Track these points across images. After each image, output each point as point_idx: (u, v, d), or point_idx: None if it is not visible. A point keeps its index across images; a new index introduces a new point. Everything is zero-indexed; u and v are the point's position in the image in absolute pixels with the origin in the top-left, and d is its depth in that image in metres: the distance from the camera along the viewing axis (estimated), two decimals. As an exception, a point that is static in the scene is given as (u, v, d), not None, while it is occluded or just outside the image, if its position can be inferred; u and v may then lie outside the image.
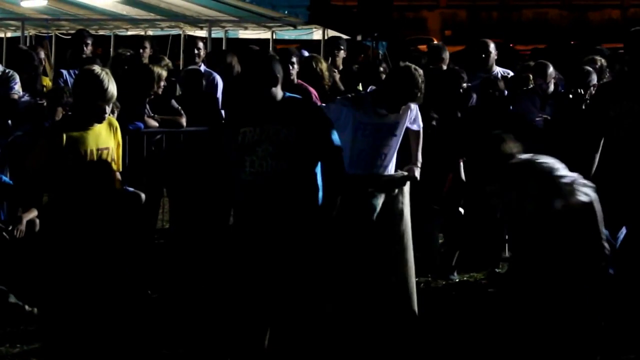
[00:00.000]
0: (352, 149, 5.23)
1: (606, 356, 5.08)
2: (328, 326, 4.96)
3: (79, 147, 4.80)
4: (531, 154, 4.79)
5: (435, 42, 21.74)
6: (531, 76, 7.64)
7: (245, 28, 15.61)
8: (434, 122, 7.02)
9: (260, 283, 4.60)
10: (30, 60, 7.91)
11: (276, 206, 4.56)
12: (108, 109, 4.85)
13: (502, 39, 25.24)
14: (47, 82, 8.43)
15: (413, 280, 5.59)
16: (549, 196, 4.60)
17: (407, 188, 5.63)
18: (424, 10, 38.50)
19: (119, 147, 5.03)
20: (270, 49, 14.49)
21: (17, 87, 7.48)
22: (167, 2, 15.22)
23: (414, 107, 5.54)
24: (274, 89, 4.57)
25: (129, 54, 8.54)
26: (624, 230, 5.38)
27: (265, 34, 15.26)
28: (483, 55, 8.11)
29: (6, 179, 6.46)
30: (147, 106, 7.10)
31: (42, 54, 9.91)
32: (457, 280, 7.06)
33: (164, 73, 7.35)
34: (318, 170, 4.62)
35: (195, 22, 15.58)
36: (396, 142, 5.46)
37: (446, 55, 8.30)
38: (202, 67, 8.57)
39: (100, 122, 4.88)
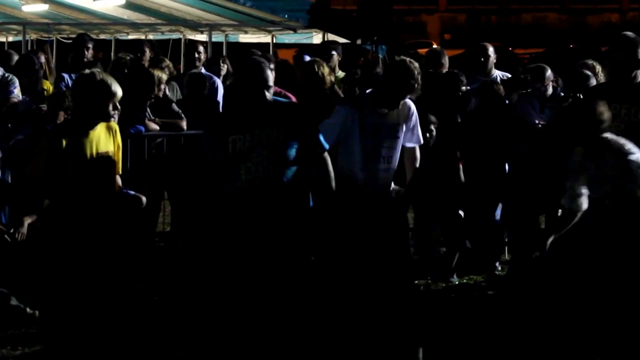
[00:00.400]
0: (358, 151, 5.22)
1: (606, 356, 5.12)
2: (328, 327, 4.98)
3: (79, 151, 4.82)
4: (626, 140, 4.93)
5: (435, 46, 21.80)
6: (529, 77, 7.66)
7: (246, 32, 15.65)
8: (432, 127, 7.04)
9: (260, 284, 4.63)
10: (31, 64, 7.94)
11: (274, 208, 4.60)
12: (111, 106, 4.86)
13: (501, 42, 25.30)
14: (48, 85, 8.46)
15: (412, 287, 5.57)
16: (624, 180, 4.78)
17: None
18: (424, 14, 38.56)
19: (119, 150, 5.04)
20: (271, 53, 14.53)
21: (17, 91, 7.51)
22: (168, 6, 15.26)
23: (415, 116, 5.46)
24: (266, 93, 4.61)
25: (129, 57, 8.57)
26: None
27: (265, 38, 15.30)
28: (482, 59, 8.13)
29: (8, 182, 6.48)
30: (148, 109, 7.13)
31: (42, 58, 9.94)
32: (456, 282, 7.08)
33: (164, 76, 7.38)
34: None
35: (195, 26, 15.61)
36: (398, 145, 5.41)
37: (445, 60, 8.33)
38: (203, 71, 8.60)
39: (108, 120, 4.90)
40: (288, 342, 4.70)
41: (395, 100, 5.28)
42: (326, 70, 7.65)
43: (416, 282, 6.73)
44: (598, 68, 7.05)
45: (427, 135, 7.02)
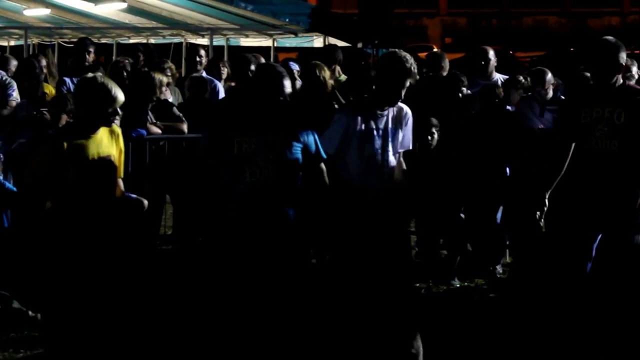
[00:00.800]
0: (361, 157, 5.20)
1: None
2: (328, 328, 4.99)
3: (80, 155, 4.82)
4: None
5: (436, 49, 21.81)
6: (521, 77, 7.67)
7: (247, 36, 15.67)
8: (434, 130, 7.05)
9: (263, 287, 4.64)
10: (32, 68, 7.96)
11: (277, 212, 4.62)
12: (112, 110, 4.87)
13: (502, 46, 25.31)
14: (50, 89, 8.48)
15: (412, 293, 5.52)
16: None
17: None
18: (425, 17, 38.59)
19: (122, 154, 5.05)
20: (272, 56, 14.55)
21: (15, 94, 7.52)
22: (169, 10, 15.29)
23: (410, 122, 5.34)
24: (281, 100, 4.65)
25: (127, 61, 8.59)
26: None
27: (266, 42, 15.32)
28: (482, 63, 8.14)
29: (10, 185, 6.50)
30: (150, 113, 7.14)
31: (43, 62, 9.97)
32: (458, 285, 7.08)
33: (165, 79, 7.39)
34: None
35: (196, 30, 15.64)
36: (396, 149, 5.38)
37: (446, 63, 8.34)
38: (204, 75, 8.62)
39: (109, 125, 4.91)
40: (290, 345, 4.71)
41: (396, 90, 5.13)
42: (327, 74, 7.65)
43: (418, 285, 6.74)
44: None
45: (429, 138, 7.03)
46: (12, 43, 19.01)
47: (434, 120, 7.06)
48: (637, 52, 19.18)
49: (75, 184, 4.82)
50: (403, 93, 5.15)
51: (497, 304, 6.65)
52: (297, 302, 4.71)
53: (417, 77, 5.38)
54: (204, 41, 15.04)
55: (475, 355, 5.57)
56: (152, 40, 17.74)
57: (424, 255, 7.38)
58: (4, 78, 7.56)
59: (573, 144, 5.36)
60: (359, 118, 5.15)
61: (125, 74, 8.13)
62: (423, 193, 6.61)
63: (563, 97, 7.35)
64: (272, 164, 4.63)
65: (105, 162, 4.90)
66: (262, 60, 8.04)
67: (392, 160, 5.24)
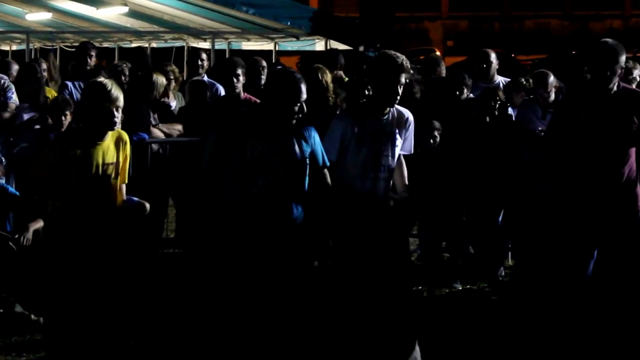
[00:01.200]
0: (356, 162, 5.20)
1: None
2: (328, 332, 4.99)
3: (84, 161, 4.83)
4: None
5: (438, 53, 21.82)
6: (524, 80, 7.67)
7: (248, 39, 15.68)
8: (436, 132, 7.05)
9: (267, 290, 4.65)
10: (34, 72, 7.97)
11: (287, 216, 4.65)
12: (118, 115, 4.88)
13: (504, 48, 25.32)
14: (51, 93, 8.49)
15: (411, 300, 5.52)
16: None
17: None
18: (426, 21, 38.59)
19: (127, 161, 5.05)
20: (273, 60, 14.56)
21: (14, 97, 7.54)
22: (171, 14, 15.30)
23: (412, 126, 5.34)
24: (295, 108, 4.67)
25: (125, 65, 8.60)
26: None
27: (268, 45, 15.33)
28: (484, 66, 8.16)
29: (13, 189, 6.51)
30: (153, 116, 7.15)
31: (44, 66, 9.99)
32: (460, 288, 7.08)
33: (164, 80, 7.42)
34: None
35: (198, 33, 15.65)
36: (396, 153, 5.36)
37: (442, 67, 8.40)
38: (205, 78, 8.62)
39: (111, 128, 4.91)
40: (293, 349, 4.71)
41: (393, 88, 5.10)
42: (329, 78, 7.65)
43: (419, 288, 6.74)
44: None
45: (431, 141, 7.03)
46: (14, 47, 19.05)
47: (436, 123, 7.06)
48: (639, 54, 19.17)
49: (76, 189, 4.83)
50: (400, 90, 5.12)
51: (499, 307, 6.64)
52: (300, 306, 4.72)
53: (411, 72, 5.34)
54: (206, 45, 15.06)
55: (477, 358, 5.56)
56: (153, 44, 17.76)
57: (426, 258, 7.37)
58: (2, 81, 7.57)
59: (571, 145, 5.35)
60: (357, 122, 5.14)
61: (123, 78, 8.15)
62: (425, 196, 6.60)
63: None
64: (284, 168, 4.65)
65: (109, 170, 4.90)
66: (264, 63, 8.02)
67: (392, 164, 5.23)
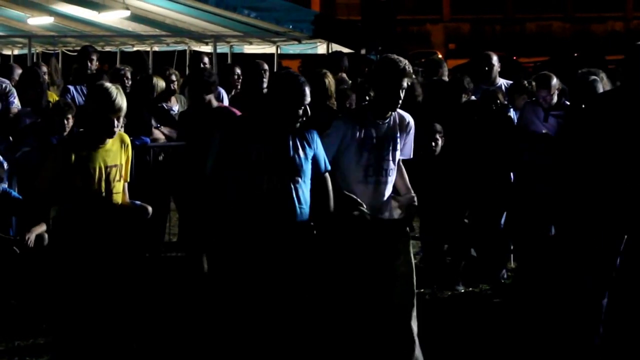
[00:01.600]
0: (357, 166, 5.18)
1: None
2: (328, 336, 4.99)
3: (87, 165, 4.85)
4: None
5: (440, 55, 21.83)
6: (526, 82, 7.68)
7: (250, 43, 15.69)
8: (438, 136, 7.05)
9: (269, 294, 4.66)
10: (36, 77, 7.98)
11: (291, 220, 4.65)
12: (117, 123, 4.89)
13: (506, 51, 25.35)
14: (53, 97, 8.50)
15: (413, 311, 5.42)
16: None
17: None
18: (428, 23, 38.60)
19: (128, 163, 5.07)
20: (275, 63, 14.58)
21: (16, 102, 7.55)
22: (173, 18, 15.32)
23: (412, 130, 5.30)
24: (299, 111, 4.67)
25: (127, 69, 8.61)
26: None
27: (270, 49, 15.34)
28: (486, 68, 8.16)
29: (15, 194, 6.52)
30: (153, 118, 7.17)
31: (45, 69, 10.00)
32: (462, 290, 7.08)
33: (163, 84, 7.42)
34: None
35: (200, 37, 15.66)
36: (397, 157, 5.34)
37: (444, 69, 8.39)
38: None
39: (111, 136, 4.92)
40: (296, 351, 4.72)
41: (395, 92, 5.08)
42: (332, 82, 7.65)
43: (422, 290, 6.74)
44: (602, 76, 7.05)
45: (433, 144, 7.04)
46: (16, 52, 19.09)
47: (438, 126, 7.07)
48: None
49: (80, 192, 4.84)
50: (402, 94, 5.12)
51: (501, 309, 6.64)
52: (305, 309, 4.72)
53: (413, 76, 5.31)
54: (208, 49, 15.07)
55: (480, 361, 5.57)
56: (155, 48, 17.78)
57: (429, 261, 7.38)
58: (4, 85, 7.58)
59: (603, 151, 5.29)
60: (357, 126, 5.12)
61: (126, 81, 8.17)
62: (427, 199, 6.60)
63: (568, 103, 7.34)
64: (288, 174, 4.66)
65: (112, 173, 4.91)
66: (266, 66, 8.03)
67: (393, 168, 5.22)
